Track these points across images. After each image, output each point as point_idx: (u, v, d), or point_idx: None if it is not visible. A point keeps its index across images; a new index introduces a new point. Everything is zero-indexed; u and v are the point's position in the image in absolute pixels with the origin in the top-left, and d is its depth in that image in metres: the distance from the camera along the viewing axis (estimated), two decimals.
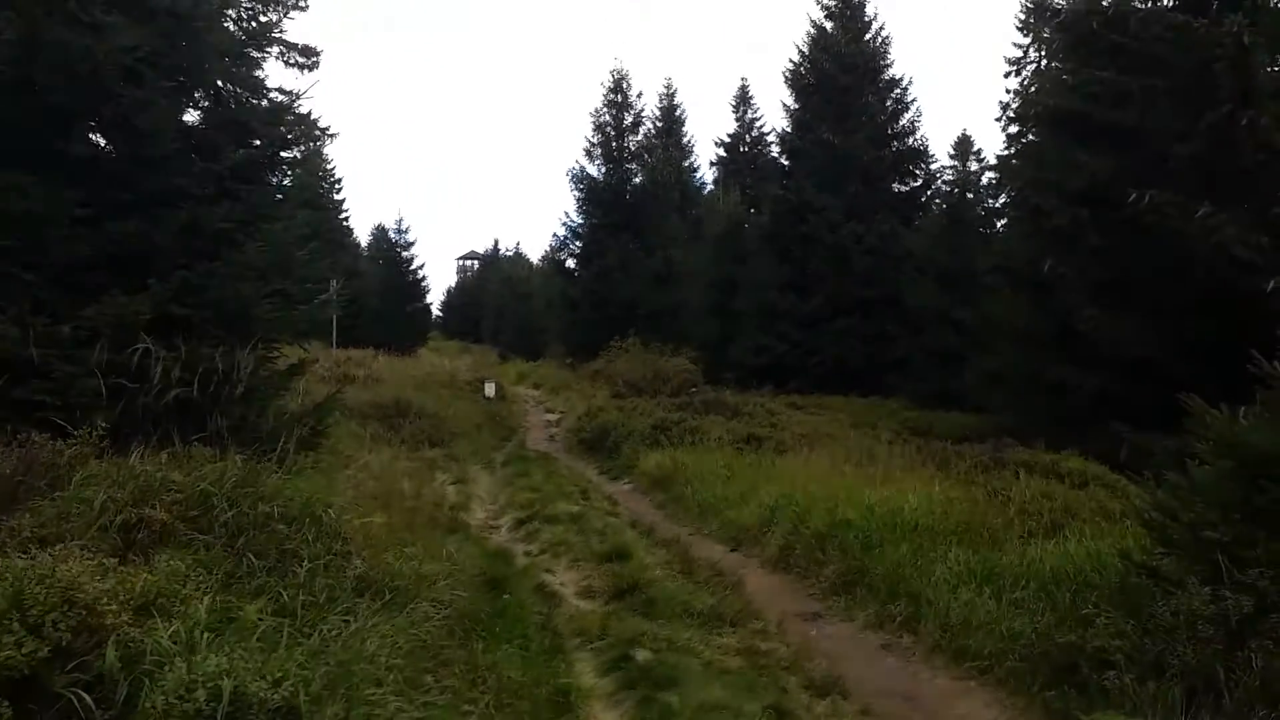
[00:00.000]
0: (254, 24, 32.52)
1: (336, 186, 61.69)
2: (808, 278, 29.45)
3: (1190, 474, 5.89)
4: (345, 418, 14.90)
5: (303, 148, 32.84)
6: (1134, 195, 13.60)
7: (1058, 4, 35.61)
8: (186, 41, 8.10)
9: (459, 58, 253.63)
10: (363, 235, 57.20)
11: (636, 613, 6.33)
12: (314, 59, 34.23)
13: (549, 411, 23.32)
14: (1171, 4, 15.52)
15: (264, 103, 8.82)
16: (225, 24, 8.84)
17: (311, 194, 58.24)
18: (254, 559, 4.09)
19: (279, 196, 8.88)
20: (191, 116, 8.91)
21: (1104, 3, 15.78)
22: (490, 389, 22.78)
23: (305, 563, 4.22)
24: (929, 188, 33.64)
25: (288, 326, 8.69)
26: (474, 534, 8.69)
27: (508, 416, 21.14)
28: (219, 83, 8.84)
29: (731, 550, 9.39)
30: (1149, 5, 15.48)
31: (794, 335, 28.73)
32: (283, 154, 8.78)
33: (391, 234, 47.00)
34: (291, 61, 33.93)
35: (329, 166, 60.74)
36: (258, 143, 8.71)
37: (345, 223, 62.43)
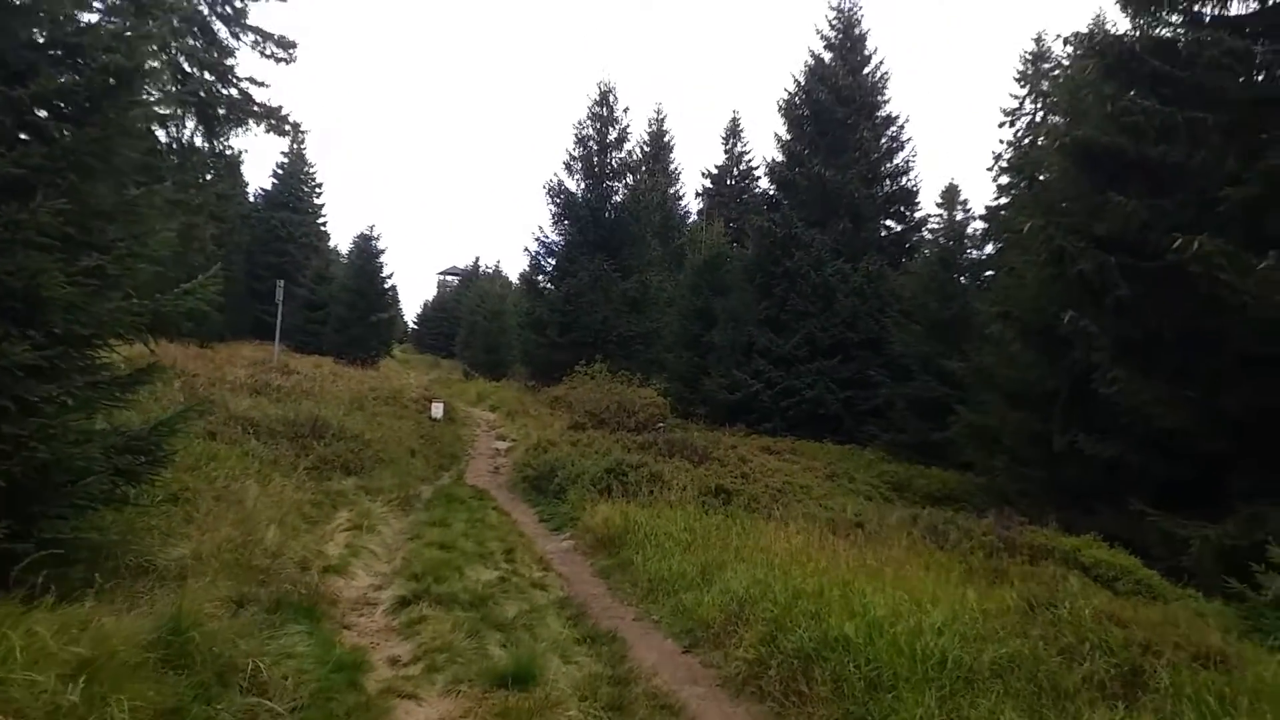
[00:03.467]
0: (228, 8, 30.54)
1: (317, 190, 59.84)
2: (788, 315, 27.26)
3: None
4: (247, 436, 12.45)
5: (256, 131, 30.41)
6: (1179, 241, 11.43)
7: (1058, 56, 34.43)
8: None
9: (459, 75, 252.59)
10: (347, 244, 55.02)
11: None
12: (291, 51, 32.00)
13: (500, 439, 20.78)
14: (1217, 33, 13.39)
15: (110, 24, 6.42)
16: None
17: (290, 196, 56.31)
18: None
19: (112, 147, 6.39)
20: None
21: (1158, 31, 13.68)
22: (438, 410, 20.23)
23: None
24: (918, 231, 31.72)
25: (110, 318, 6.17)
26: (332, 620, 6.18)
27: (452, 442, 18.59)
28: None
29: (685, 650, 6.96)
30: (1195, 34, 13.34)
31: (770, 374, 26.44)
32: (126, 88, 6.29)
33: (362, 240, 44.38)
34: (268, 52, 31.67)
35: (309, 170, 58.89)
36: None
37: (323, 227, 60.41)
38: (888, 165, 31.01)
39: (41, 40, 6.32)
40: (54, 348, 5.74)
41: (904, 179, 31.18)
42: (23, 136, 5.73)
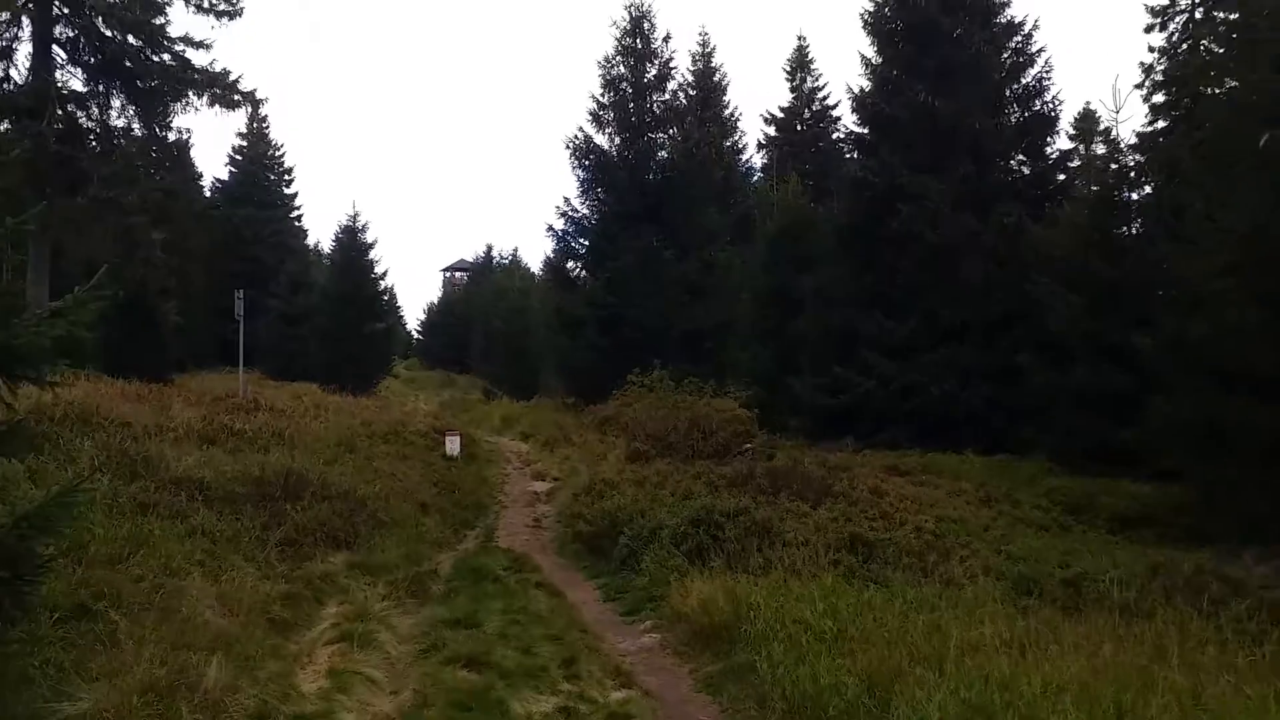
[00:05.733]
0: None
1: (286, 178, 58.16)
2: (900, 290, 25.55)
3: None
4: (194, 504, 11.07)
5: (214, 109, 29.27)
6: None
7: None
8: None
9: (453, 23, 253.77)
10: (328, 243, 53.27)
11: None
12: (235, 5, 30.86)
13: (538, 477, 19.50)
14: None
15: None
16: None
17: (253, 187, 54.86)
18: None
19: None
20: None
21: None
22: (453, 445, 18.96)
23: None
24: (1061, 169, 29.61)
25: None
26: None
27: (475, 488, 17.31)
28: None
29: None
30: None
31: (882, 368, 24.80)
32: None
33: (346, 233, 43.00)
34: (205, 5, 30.57)
35: (276, 153, 57.23)
36: None
37: (298, 222, 59.21)
38: (1015, 87, 28.97)
39: None
40: None
41: (1037, 103, 29.06)
42: None
